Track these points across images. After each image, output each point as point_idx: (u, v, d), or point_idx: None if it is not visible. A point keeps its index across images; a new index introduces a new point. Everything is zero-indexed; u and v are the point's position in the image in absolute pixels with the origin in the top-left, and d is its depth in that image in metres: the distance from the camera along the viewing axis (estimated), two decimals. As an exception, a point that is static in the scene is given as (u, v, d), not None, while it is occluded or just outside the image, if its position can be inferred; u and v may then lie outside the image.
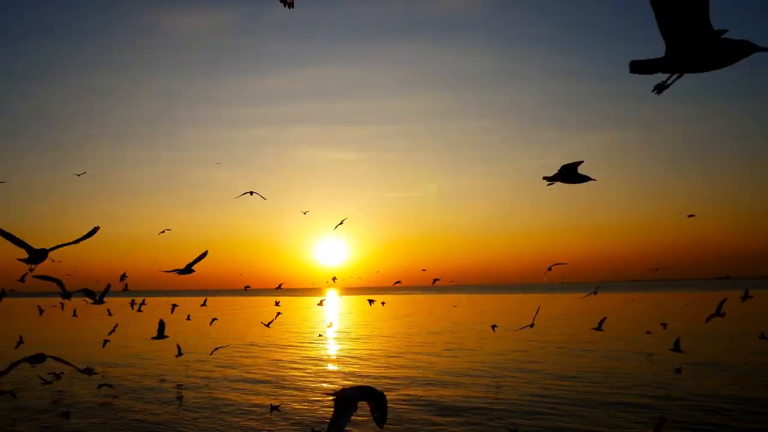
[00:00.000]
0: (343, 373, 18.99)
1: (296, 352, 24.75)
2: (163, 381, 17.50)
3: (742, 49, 2.45)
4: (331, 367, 20.57)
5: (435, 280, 25.82)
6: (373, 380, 16.80)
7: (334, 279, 18.26)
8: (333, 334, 33.06)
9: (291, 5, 3.72)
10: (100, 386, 15.16)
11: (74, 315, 35.09)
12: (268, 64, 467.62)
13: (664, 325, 23.30)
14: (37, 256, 5.02)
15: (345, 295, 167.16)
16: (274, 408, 12.70)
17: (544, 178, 4.41)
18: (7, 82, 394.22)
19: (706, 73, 2.63)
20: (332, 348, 26.67)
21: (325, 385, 16.70)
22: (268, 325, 21.61)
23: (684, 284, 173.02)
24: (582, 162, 4.39)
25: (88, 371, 13.49)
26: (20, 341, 19.05)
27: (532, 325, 15.35)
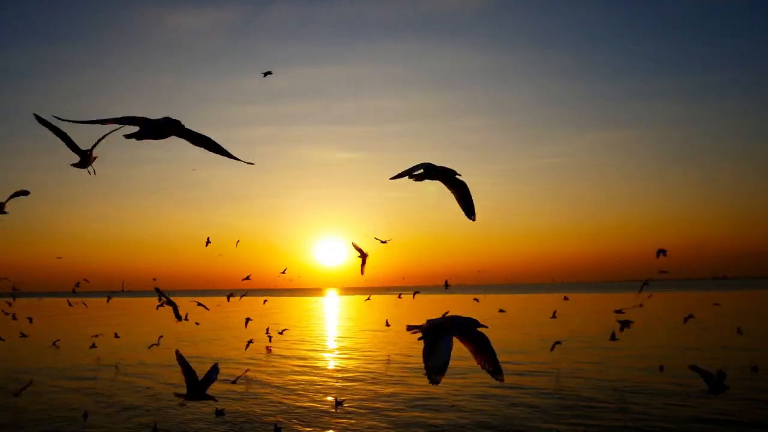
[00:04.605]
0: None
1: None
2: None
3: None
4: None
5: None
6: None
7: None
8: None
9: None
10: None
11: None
12: (267, 64, 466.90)
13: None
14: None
15: (345, 295, 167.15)
16: (219, 413, 12.53)
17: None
18: (6, 82, 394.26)
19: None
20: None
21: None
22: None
23: (683, 284, 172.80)
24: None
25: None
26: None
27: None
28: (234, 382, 14.32)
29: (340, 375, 18.73)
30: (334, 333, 36.29)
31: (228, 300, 19.87)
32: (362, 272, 9.09)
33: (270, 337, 24.35)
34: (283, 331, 26.47)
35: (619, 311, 17.74)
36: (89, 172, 4.19)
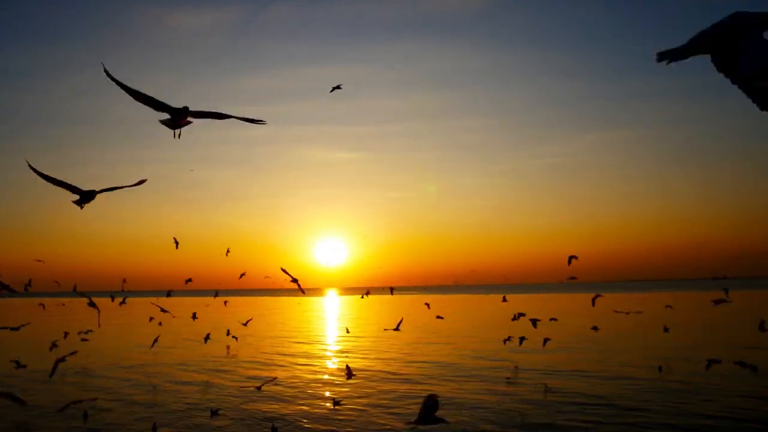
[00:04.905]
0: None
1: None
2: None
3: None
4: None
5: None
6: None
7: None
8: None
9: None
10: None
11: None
12: (267, 64, 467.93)
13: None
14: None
15: (344, 294, 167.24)
16: (214, 413, 12.44)
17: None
18: (6, 82, 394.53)
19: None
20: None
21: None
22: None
23: (683, 284, 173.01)
24: None
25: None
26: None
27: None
28: (259, 388, 14.11)
29: (337, 373, 18.73)
30: (331, 332, 36.29)
31: (163, 298, 20.62)
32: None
33: (235, 337, 24.46)
34: (248, 321, 26.43)
35: (518, 315, 18.34)
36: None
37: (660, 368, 16.78)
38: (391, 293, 23.36)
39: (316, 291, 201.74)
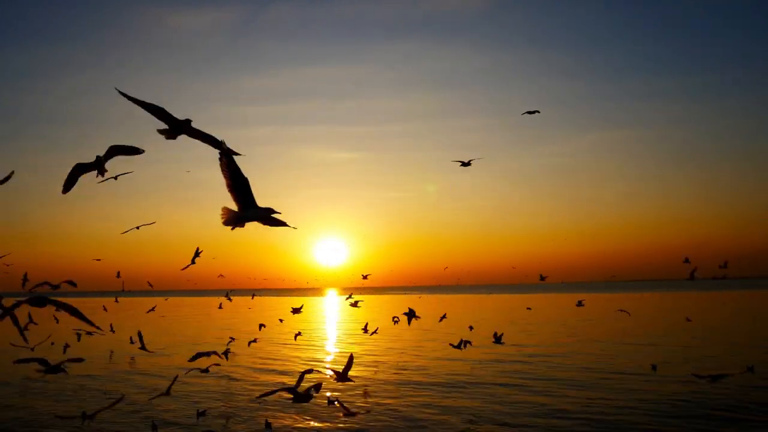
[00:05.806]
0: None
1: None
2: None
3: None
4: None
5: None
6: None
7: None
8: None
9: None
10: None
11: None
12: (267, 64, 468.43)
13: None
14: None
15: (344, 294, 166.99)
16: (200, 414, 12.26)
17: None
18: (6, 82, 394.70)
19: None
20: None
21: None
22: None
23: (682, 284, 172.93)
24: None
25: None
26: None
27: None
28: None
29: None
30: (323, 333, 36.34)
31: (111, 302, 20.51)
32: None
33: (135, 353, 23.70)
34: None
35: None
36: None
37: (654, 367, 16.77)
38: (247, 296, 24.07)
39: (315, 291, 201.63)
